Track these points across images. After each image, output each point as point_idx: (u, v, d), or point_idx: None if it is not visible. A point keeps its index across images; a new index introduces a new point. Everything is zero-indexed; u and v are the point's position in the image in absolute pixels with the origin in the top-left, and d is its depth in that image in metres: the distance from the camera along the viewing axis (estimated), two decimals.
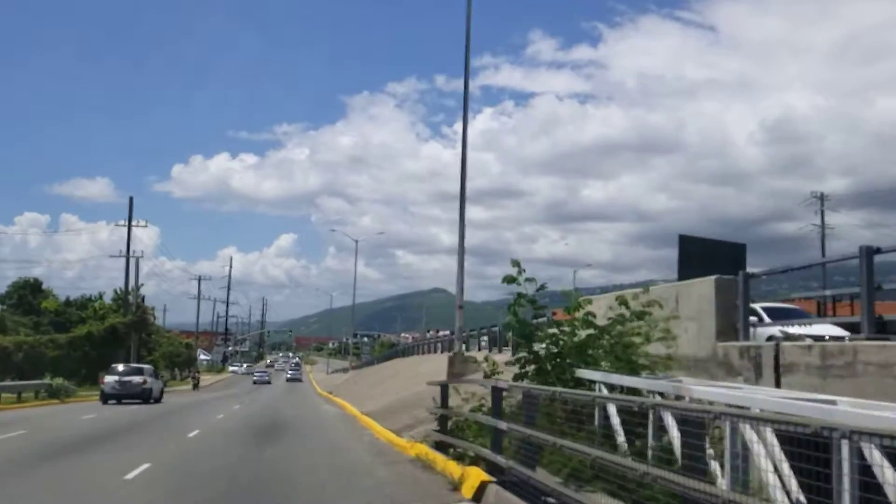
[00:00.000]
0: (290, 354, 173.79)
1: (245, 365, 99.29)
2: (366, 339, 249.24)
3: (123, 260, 54.32)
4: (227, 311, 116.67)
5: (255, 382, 71.60)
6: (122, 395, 29.91)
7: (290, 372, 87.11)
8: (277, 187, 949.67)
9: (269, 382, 72.84)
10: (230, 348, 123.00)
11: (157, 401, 32.26)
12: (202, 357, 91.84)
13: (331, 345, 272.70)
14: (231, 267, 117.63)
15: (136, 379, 31.02)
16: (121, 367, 33.13)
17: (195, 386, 60.15)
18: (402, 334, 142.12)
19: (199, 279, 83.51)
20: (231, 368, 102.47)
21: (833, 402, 5.38)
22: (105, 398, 30.04)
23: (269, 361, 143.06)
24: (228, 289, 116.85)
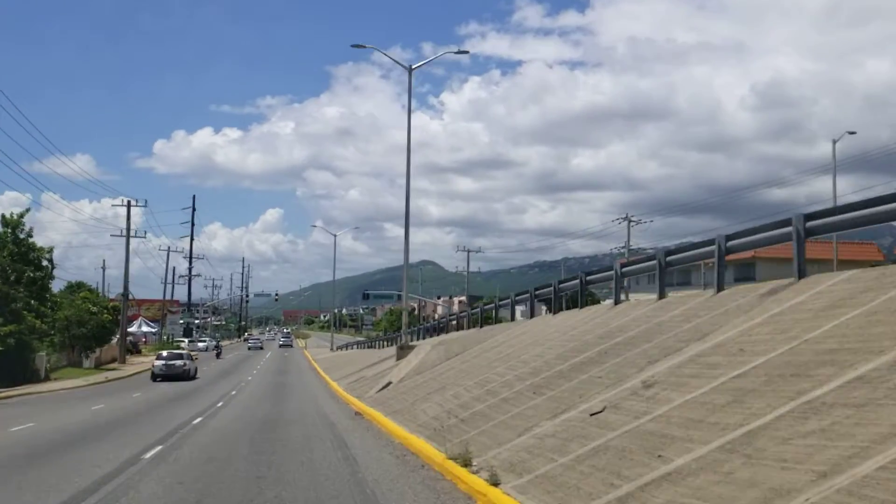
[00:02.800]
0: (284, 329, 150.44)
1: (187, 341, 66.93)
2: (362, 309, 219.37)
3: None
4: (189, 271, 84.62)
5: (249, 349, 78.71)
6: (168, 375, 32.91)
7: (281, 339, 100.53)
8: (262, 162, 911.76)
9: (261, 348, 79.76)
10: (197, 320, 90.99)
11: (193, 379, 34.13)
12: (145, 329, 59.90)
13: (322, 317, 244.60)
14: (194, 209, 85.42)
15: (178, 362, 34.27)
16: (165, 353, 37.53)
17: (218, 355, 60.64)
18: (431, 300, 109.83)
19: (129, 204, 51.31)
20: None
21: None
22: (154, 377, 33.28)
23: (247, 335, 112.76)
24: (192, 238, 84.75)
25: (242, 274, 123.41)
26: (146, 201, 52.98)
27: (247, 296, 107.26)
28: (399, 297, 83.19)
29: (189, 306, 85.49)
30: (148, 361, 54.91)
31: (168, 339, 73.15)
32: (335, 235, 65.71)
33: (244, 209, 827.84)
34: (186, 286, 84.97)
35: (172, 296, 77.66)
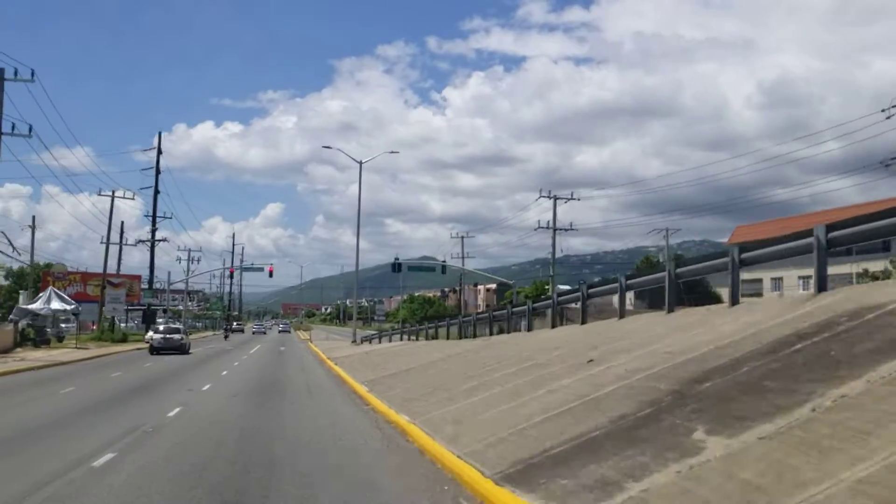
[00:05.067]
0: (284, 321, 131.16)
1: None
2: (364, 302, 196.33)
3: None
4: (152, 234, 60.59)
5: (253, 333, 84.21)
6: (165, 347, 34.82)
7: (281, 325, 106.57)
8: (263, 156, 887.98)
9: (264, 333, 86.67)
10: (163, 305, 66.79)
11: (188, 352, 35.64)
12: (56, 306, 35.99)
13: (324, 310, 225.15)
14: (160, 152, 61.49)
15: (176, 336, 36.12)
16: (162, 327, 38.44)
17: (226, 337, 63.73)
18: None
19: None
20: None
21: None
22: (153, 350, 34.93)
23: (236, 325, 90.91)
24: (156, 190, 61.03)
25: (233, 253, 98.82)
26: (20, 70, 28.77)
27: (231, 275, 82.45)
28: (443, 268, 58.92)
29: (151, 283, 61.34)
30: (45, 359, 31.29)
31: (110, 325, 49.20)
32: (360, 162, 41.98)
33: (245, 203, 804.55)
34: (149, 255, 61.08)
35: (119, 267, 53.55)
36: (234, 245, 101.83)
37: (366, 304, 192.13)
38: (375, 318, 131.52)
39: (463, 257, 62.87)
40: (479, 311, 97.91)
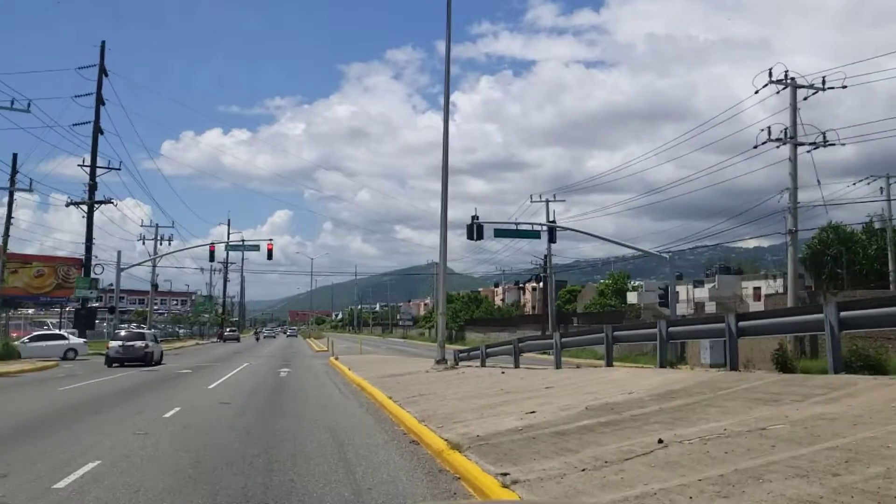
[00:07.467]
0: (292, 328, 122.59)
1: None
2: (377, 306, 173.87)
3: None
4: (90, 190, 38.90)
5: (265, 337, 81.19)
6: (126, 358, 27.90)
7: (288, 331, 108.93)
8: (271, 163, 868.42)
9: (274, 337, 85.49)
10: (112, 302, 44.79)
11: (158, 363, 29.00)
12: None
13: (334, 316, 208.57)
14: (103, 72, 39.82)
15: (139, 343, 28.76)
16: (123, 333, 31.52)
17: (258, 339, 70.49)
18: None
19: None
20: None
21: None
22: (110, 361, 27.79)
23: (228, 331, 69.79)
24: (96, 123, 39.75)
25: (227, 241, 76.24)
26: None
27: (212, 259, 59.17)
28: (551, 231, 35.08)
29: (87, 267, 39.39)
30: None
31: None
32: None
33: (252, 211, 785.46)
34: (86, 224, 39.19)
35: (7, 230, 31.61)
36: (229, 233, 79.82)
37: (379, 309, 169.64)
38: (401, 322, 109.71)
39: (551, 228, 40.59)
40: (533, 312, 74.20)
